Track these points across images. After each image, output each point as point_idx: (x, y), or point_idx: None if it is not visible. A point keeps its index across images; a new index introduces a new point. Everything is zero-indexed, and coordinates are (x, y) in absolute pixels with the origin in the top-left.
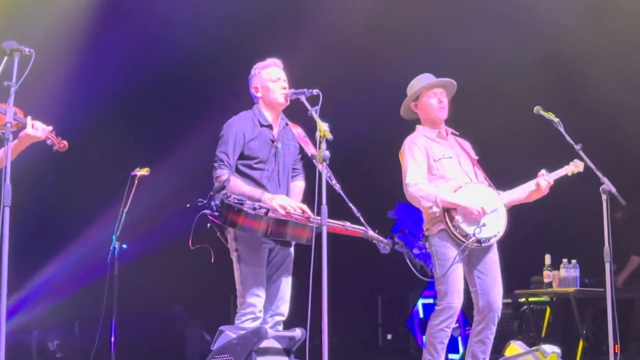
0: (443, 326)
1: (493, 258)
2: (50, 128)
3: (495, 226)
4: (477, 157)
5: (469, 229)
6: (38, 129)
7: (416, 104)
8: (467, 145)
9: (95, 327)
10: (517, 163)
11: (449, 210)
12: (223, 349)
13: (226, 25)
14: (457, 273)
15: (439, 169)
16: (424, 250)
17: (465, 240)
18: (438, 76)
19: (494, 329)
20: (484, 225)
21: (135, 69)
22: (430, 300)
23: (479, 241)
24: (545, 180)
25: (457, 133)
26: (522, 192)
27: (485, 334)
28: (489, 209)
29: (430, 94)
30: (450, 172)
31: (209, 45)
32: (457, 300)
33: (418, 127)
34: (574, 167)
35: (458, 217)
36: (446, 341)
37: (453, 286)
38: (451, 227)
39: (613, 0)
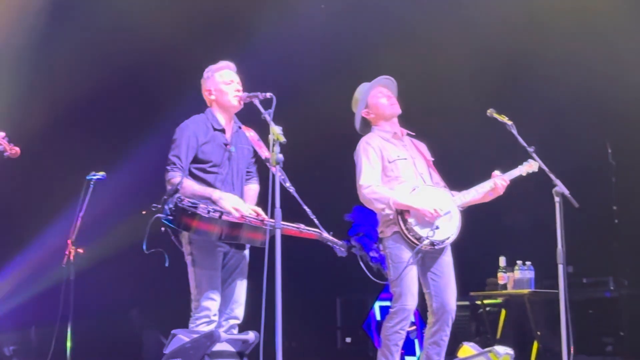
0: (397, 328)
1: (447, 260)
2: (3, 134)
3: (449, 229)
4: (432, 159)
5: (422, 232)
6: None
7: (367, 110)
8: (422, 146)
9: (52, 332)
10: (472, 164)
11: (402, 213)
12: (176, 352)
13: (181, 27)
14: (411, 275)
15: (393, 170)
16: (380, 253)
17: (418, 243)
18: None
19: (448, 330)
20: (437, 227)
21: (89, 73)
22: (388, 303)
23: (432, 244)
24: (501, 179)
25: (413, 134)
26: (476, 194)
27: (439, 336)
28: (443, 211)
29: (377, 94)
30: (404, 173)
31: (164, 47)
32: (411, 303)
33: (374, 128)
34: (528, 167)
35: (411, 220)
36: (401, 343)
37: (407, 288)
38: (404, 230)
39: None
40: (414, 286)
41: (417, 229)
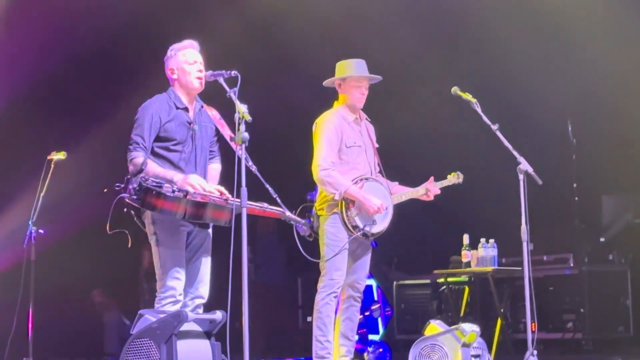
0: (327, 300)
1: (368, 245)
2: None
3: (382, 224)
4: (377, 145)
5: (360, 223)
6: None
7: (341, 84)
8: (372, 131)
9: (12, 314)
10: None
11: (347, 200)
12: (143, 332)
13: (143, 3)
14: (344, 254)
15: (347, 155)
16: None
17: (353, 232)
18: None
19: (358, 306)
20: (374, 222)
21: (50, 50)
22: None
23: (365, 235)
24: (435, 189)
25: (369, 119)
26: (410, 196)
27: (351, 312)
28: (383, 207)
29: (357, 85)
30: (356, 160)
31: (127, 24)
32: (339, 278)
33: (337, 106)
34: (457, 178)
35: (353, 210)
36: (332, 314)
37: (338, 265)
38: (345, 216)
39: None
40: (344, 264)
41: (357, 219)
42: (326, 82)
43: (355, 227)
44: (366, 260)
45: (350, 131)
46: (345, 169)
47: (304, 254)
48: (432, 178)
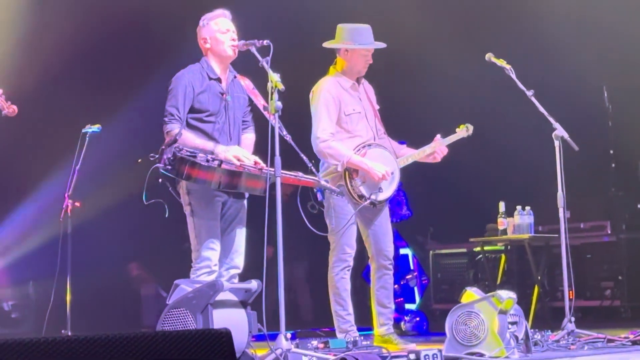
0: (341, 275)
1: (384, 210)
2: (0, 91)
3: (389, 190)
4: (378, 107)
5: (366, 192)
6: None
7: (346, 55)
8: (371, 92)
9: (50, 287)
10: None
11: (350, 170)
12: (179, 302)
13: None
14: (352, 227)
15: (347, 124)
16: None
17: (360, 202)
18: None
19: (390, 274)
20: (380, 189)
21: (82, 25)
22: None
23: (372, 203)
24: (442, 150)
25: (366, 81)
26: (417, 157)
27: (384, 280)
28: (389, 174)
29: (364, 52)
30: (357, 128)
31: None
32: (350, 251)
33: (334, 72)
34: (466, 131)
35: (358, 179)
36: (348, 287)
37: (347, 239)
38: (350, 187)
39: None
40: (353, 237)
41: (362, 188)
42: (328, 45)
43: (362, 196)
44: (386, 226)
45: (348, 98)
46: (346, 137)
47: (310, 227)
48: (438, 135)
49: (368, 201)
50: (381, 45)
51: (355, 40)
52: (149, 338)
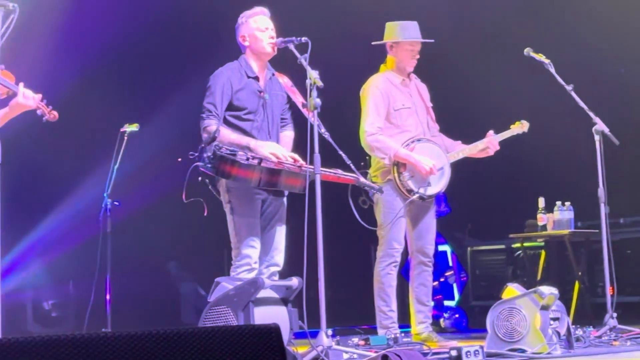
0: (387, 270)
1: (430, 207)
2: (40, 96)
3: (438, 185)
4: (431, 105)
5: (414, 186)
6: (29, 98)
7: (393, 46)
8: (424, 90)
9: (90, 285)
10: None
11: (398, 164)
12: (220, 300)
13: None
14: (401, 222)
15: (397, 119)
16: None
17: (409, 196)
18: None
19: (430, 271)
20: (429, 184)
21: (120, 24)
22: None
23: (421, 197)
24: (494, 145)
25: (419, 79)
26: (469, 152)
27: (423, 277)
28: (437, 168)
29: (409, 48)
30: (407, 123)
31: None
32: (398, 247)
33: (384, 70)
34: (521, 127)
35: (406, 173)
36: (394, 284)
37: (395, 235)
38: (398, 181)
39: None
40: (401, 233)
41: (410, 182)
42: (377, 42)
43: (410, 190)
44: (430, 224)
45: (397, 93)
46: (396, 132)
47: (361, 221)
48: (491, 131)
49: (417, 195)
50: (426, 40)
51: (400, 36)
52: (194, 333)
